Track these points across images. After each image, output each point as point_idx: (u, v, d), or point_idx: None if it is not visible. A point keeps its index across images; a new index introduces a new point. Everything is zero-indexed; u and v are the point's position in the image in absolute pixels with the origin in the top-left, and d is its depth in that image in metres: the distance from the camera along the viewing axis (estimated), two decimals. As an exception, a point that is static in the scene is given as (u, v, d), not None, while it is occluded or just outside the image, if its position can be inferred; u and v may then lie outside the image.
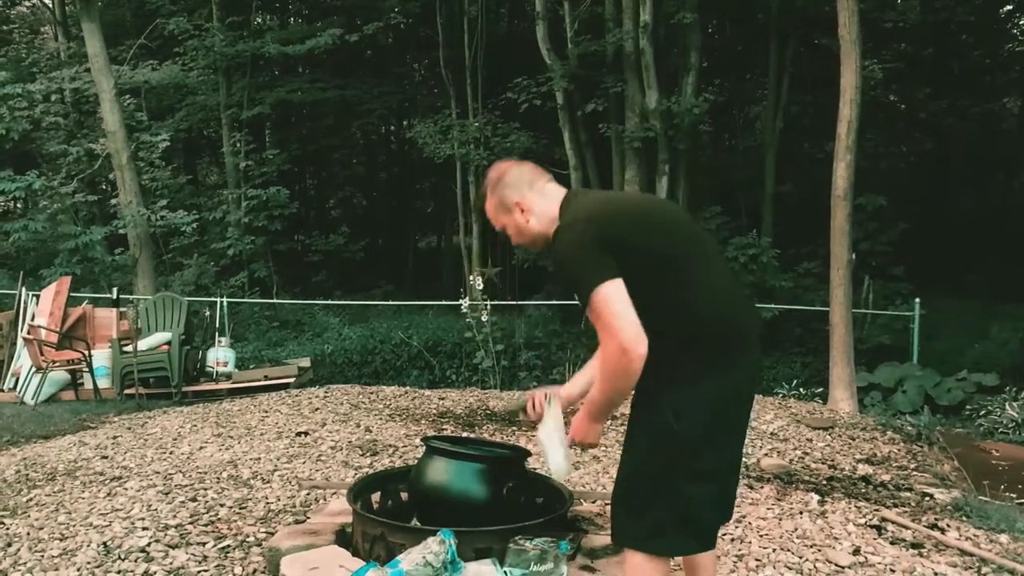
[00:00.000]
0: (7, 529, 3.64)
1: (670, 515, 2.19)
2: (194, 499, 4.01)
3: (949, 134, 15.27)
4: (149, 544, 3.39)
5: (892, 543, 3.52)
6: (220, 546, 3.37)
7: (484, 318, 8.80)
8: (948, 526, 3.77)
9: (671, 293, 2.21)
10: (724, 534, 3.54)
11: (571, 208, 2.30)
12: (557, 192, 2.40)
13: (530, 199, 2.38)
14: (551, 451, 2.50)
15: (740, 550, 3.39)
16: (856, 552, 3.39)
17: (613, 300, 2.10)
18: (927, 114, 15.23)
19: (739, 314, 2.33)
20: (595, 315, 2.13)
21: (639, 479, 2.24)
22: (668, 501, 2.18)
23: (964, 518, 3.93)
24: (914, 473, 4.84)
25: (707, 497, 2.23)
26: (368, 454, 4.94)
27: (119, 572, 3.13)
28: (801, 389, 8.06)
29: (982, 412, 7.21)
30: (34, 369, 7.82)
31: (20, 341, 8.30)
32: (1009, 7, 16.15)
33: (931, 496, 4.30)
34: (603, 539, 3.00)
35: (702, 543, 2.32)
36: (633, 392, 2.33)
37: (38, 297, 8.79)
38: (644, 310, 2.13)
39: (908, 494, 4.35)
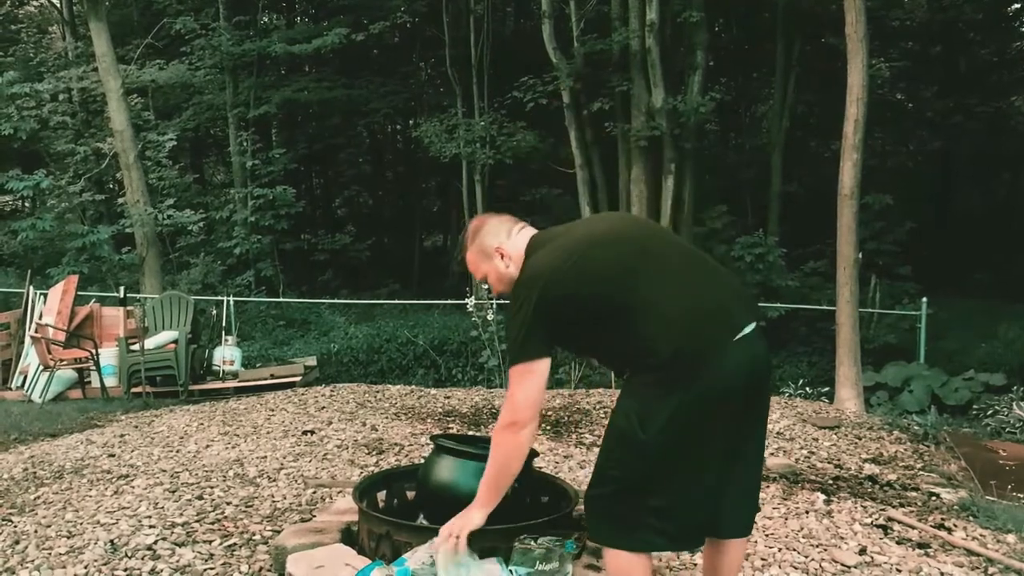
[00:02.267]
0: (15, 527, 3.66)
1: (636, 516, 2.21)
2: (200, 497, 4.02)
3: (956, 133, 15.23)
4: (156, 542, 3.40)
5: (898, 543, 3.52)
6: (226, 544, 3.38)
7: (490, 317, 8.80)
8: (955, 526, 3.75)
9: (624, 334, 2.24)
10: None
11: (528, 262, 2.39)
12: (523, 235, 2.50)
13: (509, 246, 2.48)
14: None
15: (746, 550, 3.39)
16: (862, 552, 3.38)
17: (525, 382, 2.25)
18: (934, 113, 15.20)
19: (710, 329, 2.23)
20: (510, 380, 2.28)
21: (607, 480, 2.27)
22: (634, 503, 2.21)
23: (971, 518, 3.92)
24: (921, 473, 4.83)
25: (678, 503, 2.22)
26: (374, 453, 4.95)
27: (126, 570, 3.14)
28: (807, 388, 8.04)
29: (989, 412, 7.19)
30: (42, 367, 7.86)
31: (28, 340, 8.34)
32: (1017, 5, 16.11)
33: (938, 496, 4.29)
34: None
35: (681, 543, 2.39)
36: (619, 392, 2.39)
37: (46, 296, 8.83)
38: (602, 349, 2.29)
39: (914, 494, 4.34)
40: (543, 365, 2.26)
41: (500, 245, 2.48)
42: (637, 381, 2.25)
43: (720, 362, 2.21)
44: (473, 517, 2.44)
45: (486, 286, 2.63)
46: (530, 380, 2.25)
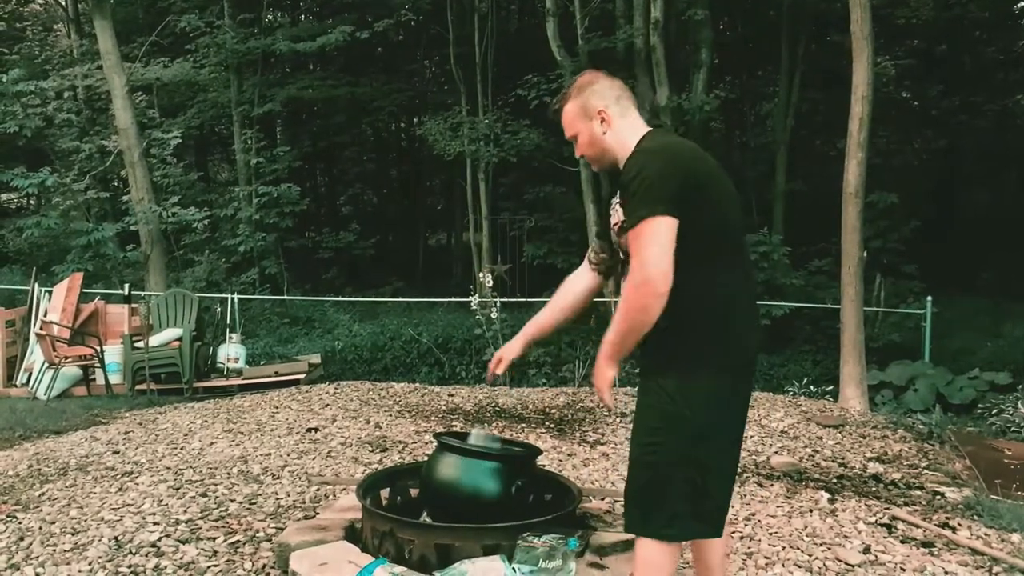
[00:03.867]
0: (20, 523, 3.67)
1: (680, 501, 2.19)
2: (204, 494, 4.03)
3: (961, 131, 15.18)
4: (160, 539, 3.40)
5: (903, 542, 3.51)
6: (230, 541, 3.39)
7: (494, 315, 8.79)
8: (959, 525, 3.75)
9: (709, 268, 2.19)
10: (733, 532, 3.54)
11: (652, 140, 2.30)
12: (639, 122, 2.39)
13: (613, 112, 2.37)
14: None
15: (749, 548, 3.38)
16: (866, 550, 3.38)
17: (660, 234, 2.10)
18: (939, 111, 15.15)
19: (753, 310, 2.40)
20: (636, 240, 2.12)
21: (647, 466, 2.24)
22: (676, 487, 2.19)
23: (975, 517, 3.91)
24: (925, 472, 4.82)
25: (715, 482, 2.24)
26: (378, 450, 4.95)
27: (130, 566, 3.15)
28: (812, 387, 8.02)
29: (994, 411, 7.17)
30: (46, 365, 7.87)
31: (33, 337, 8.36)
32: (1022, 3, 16.03)
33: (942, 495, 4.28)
34: (612, 536, 3.00)
35: (713, 528, 2.31)
36: (640, 380, 2.34)
37: (51, 293, 8.85)
38: (684, 271, 2.13)
39: (919, 493, 4.33)
40: (674, 224, 2.10)
41: (605, 108, 2.37)
42: (675, 351, 2.19)
43: (751, 339, 2.31)
44: (607, 372, 2.31)
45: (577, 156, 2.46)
46: (661, 237, 2.09)
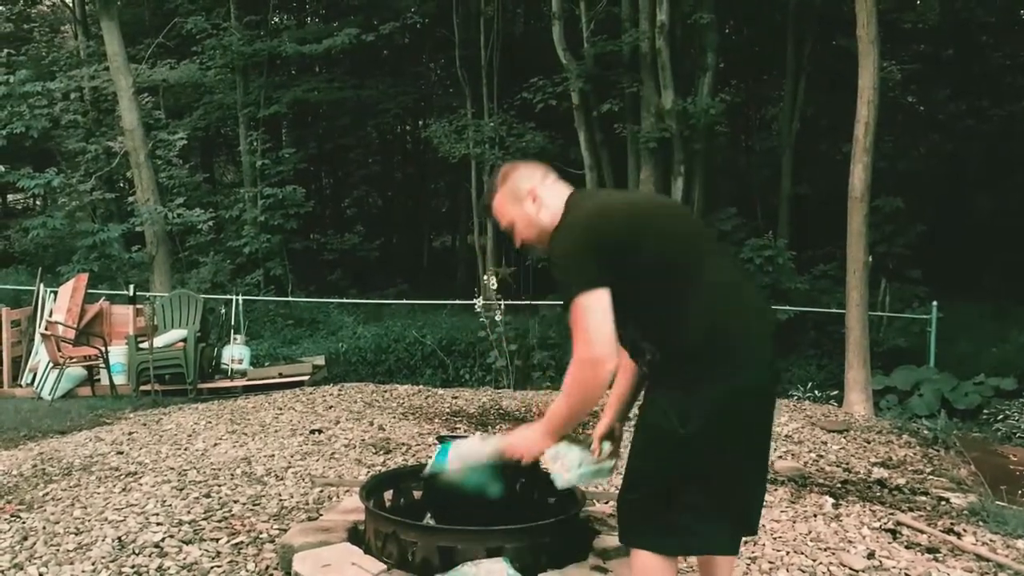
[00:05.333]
0: (23, 523, 3.67)
1: (674, 518, 2.17)
2: (208, 495, 4.03)
3: (968, 136, 15.14)
4: (163, 539, 3.40)
5: (907, 547, 3.50)
6: (233, 542, 3.39)
7: (498, 318, 8.79)
8: (964, 531, 3.73)
9: (673, 301, 2.17)
10: (737, 536, 3.53)
11: (574, 210, 2.28)
12: (564, 190, 2.39)
13: (541, 191, 2.38)
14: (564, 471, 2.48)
15: (753, 552, 3.37)
16: (871, 556, 3.37)
17: (592, 310, 2.10)
18: (946, 116, 15.11)
19: (746, 322, 2.26)
20: (573, 321, 2.13)
21: (645, 480, 2.23)
22: (671, 504, 2.17)
23: (980, 523, 3.89)
24: (930, 477, 4.81)
25: (714, 503, 2.19)
26: (381, 452, 4.95)
27: (133, 567, 3.15)
28: (816, 391, 8.01)
29: (1000, 416, 7.15)
30: (51, 365, 7.89)
31: (38, 337, 8.37)
32: (1030, 8, 16.00)
33: (947, 500, 4.26)
34: (615, 540, 2.98)
35: (710, 546, 2.29)
36: (643, 395, 2.33)
37: (56, 293, 8.87)
38: (646, 317, 2.16)
39: (924, 498, 4.31)
40: (606, 295, 2.10)
41: (533, 187, 2.37)
42: (671, 374, 2.18)
43: (761, 356, 2.25)
44: (540, 444, 2.32)
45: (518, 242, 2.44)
46: (596, 310, 2.09)
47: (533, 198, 2.36)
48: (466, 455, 2.56)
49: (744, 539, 3.49)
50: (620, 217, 2.26)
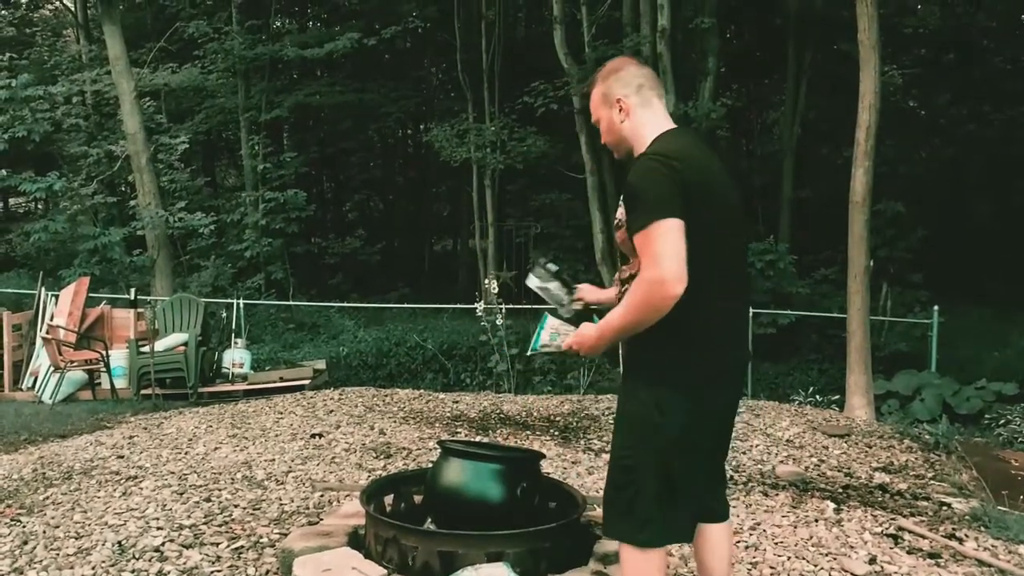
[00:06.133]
0: (24, 527, 3.67)
1: (652, 508, 2.22)
2: (208, 499, 4.03)
3: (969, 140, 15.15)
4: (163, 544, 3.40)
5: (909, 552, 3.49)
6: (234, 547, 3.38)
7: (499, 322, 8.79)
8: (966, 536, 3.72)
9: (704, 276, 2.17)
10: (738, 541, 3.52)
11: (664, 142, 2.28)
12: (659, 116, 2.37)
13: (633, 102, 2.36)
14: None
15: (755, 558, 3.37)
16: (872, 561, 3.36)
17: (672, 237, 2.09)
18: (947, 120, 15.13)
19: (738, 324, 2.41)
20: (646, 243, 2.11)
21: (624, 471, 2.27)
22: (649, 493, 2.21)
23: (982, 528, 3.88)
24: (931, 482, 4.80)
25: (686, 490, 2.26)
26: (382, 456, 4.95)
27: (133, 571, 3.15)
28: (817, 396, 7.99)
29: (1001, 421, 7.14)
30: (52, 369, 7.89)
31: (39, 341, 8.37)
32: (1030, 13, 16.00)
33: (949, 506, 4.26)
34: (616, 545, 2.98)
35: (683, 536, 2.38)
36: (620, 385, 2.38)
37: (57, 297, 8.87)
38: None
39: (925, 503, 4.31)
40: (680, 226, 2.10)
41: (624, 97, 2.36)
42: (658, 355, 2.21)
43: (731, 352, 2.34)
44: (596, 345, 2.32)
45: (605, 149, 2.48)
46: (673, 236, 2.09)
47: (620, 107, 2.37)
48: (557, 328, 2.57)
49: (744, 544, 3.49)
50: (706, 173, 2.27)
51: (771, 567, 3.28)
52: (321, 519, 3.61)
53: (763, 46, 16.69)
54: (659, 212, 2.11)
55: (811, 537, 3.63)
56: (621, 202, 2.34)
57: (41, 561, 3.26)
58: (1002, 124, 15.00)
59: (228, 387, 8.50)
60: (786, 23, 13.93)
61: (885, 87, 9.19)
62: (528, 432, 5.72)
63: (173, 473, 4.56)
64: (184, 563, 3.21)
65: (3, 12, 19.33)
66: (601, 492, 3.82)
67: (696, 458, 2.28)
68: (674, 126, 2.37)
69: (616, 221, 2.39)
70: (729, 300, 2.30)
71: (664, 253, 2.08)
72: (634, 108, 2.35)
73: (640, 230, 2.13)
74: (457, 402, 6.93)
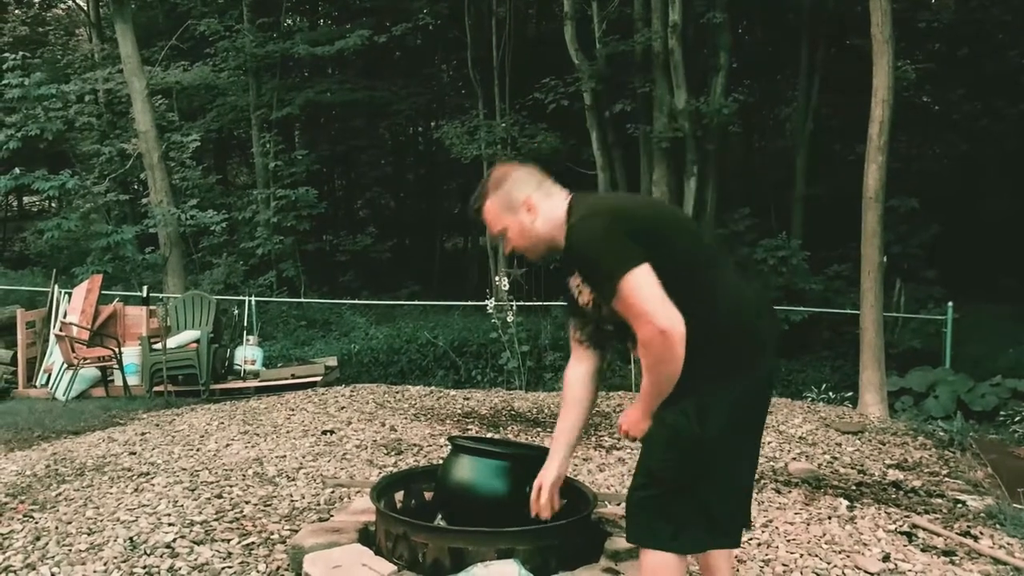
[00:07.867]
0: (36, 523, 3.68)
1: (688, 515, 2.17)
2: (220, 496, 4.03)
3: (983, 136, 15.02)
4: (175, 540, 3.41)
5: (923, 550, 3.46)
6: (245, 543, 3.39)
7: (510, 319, 8.78)
8: (981, 534, 3.69)
9: (695, 292, 2.15)
10: (751, 538, 3.50)
11: (584, 206, 2.25)
12: (561, 195, 2.36)
13: (537, 199, 2.34)
14: None
15: (767, 555, 3.35)
16: (886, 559, 3.33)
17: (643, 285, 2.05)
18: (961, 115, 14.99)
19: (761, 318, 2.31)
20: (625, 305, 2.08)
21: (657, 481, 2.21)
22: (686, 501, 2.17)
23: (998, 526, 3.85)
24: (946, 479, 4.76)
25: (726, 496, 2.23)
26: (392, 453, 4.95)
27: (145, 567, 3.15)
28: (831, 393, 7.95)
29: (1016, 418, 7.08)
30: (65, 366, 7.93)
31: (52, 338, 8.42)
32: (1047, 6, 15.83)
33: (963, 503, 4.22)
34: (626, 542, 2.97)
35: (720, 542, 2.30)
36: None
37: (70, 295, 8.92)
38: (667, 286, 2.11)
39: (940, 501, 4.27)
40: (648, 268, 2.06)
41: (529, 197, 2.33)
42: (689, 362, 2.11)
43: (771, 359, 2.30)
44: (643, 424, 2.26)
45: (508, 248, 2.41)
46: (645, 284, 2.05)
47: (529, 208, 2.33)
48: None
49: (756, 541, 3.47)
50: (642, 209, 2.29)
51: (784, 564, 3.26)
52: (332, 515, 3.61)
53: (775, 41, 16.60)
54: (620, 268, 2.06)
55: (824, 534, 3.61)
56: (576, 283, 2.32)
57: (53, 557, 3.27)
58: (1017, 119, 14.86)
59: (240, 384, 8.52)
60: (799, 18, 13.83)
61: (898, 82, 9.12)
62: (539, 429, 5.71)
63: (185, 469, 4.58)
64: (195, 559, 3.22)
65: (16, 11, 19.44)
66: (611, 489, 3.78)
67: (738, 463, 2.26)
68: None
69: (584, 303, 2.36)
70: (724, 280, 2.27)
71: (646, 308, 2.05)
72: (539, 204, 2.32)
73: (613, 296, 2.09)
74: (468, 399, 6.93)
